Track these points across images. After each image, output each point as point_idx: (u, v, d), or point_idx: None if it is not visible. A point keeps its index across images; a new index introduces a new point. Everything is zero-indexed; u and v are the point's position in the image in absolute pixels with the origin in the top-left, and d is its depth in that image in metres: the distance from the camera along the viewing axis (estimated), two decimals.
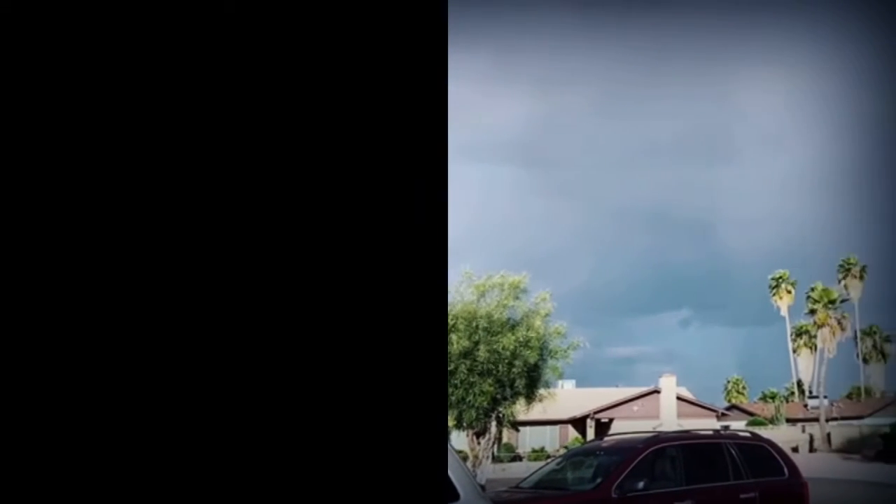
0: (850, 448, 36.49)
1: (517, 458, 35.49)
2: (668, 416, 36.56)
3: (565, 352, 21.31)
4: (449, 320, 16.44)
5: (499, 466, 28.76)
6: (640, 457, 7.61)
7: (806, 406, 47.50)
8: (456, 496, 3.79)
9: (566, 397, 36.28)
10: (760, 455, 8.69)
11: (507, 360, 19.47)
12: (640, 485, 7.21)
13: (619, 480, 7.21)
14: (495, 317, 19.88)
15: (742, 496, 7.89)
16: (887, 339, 55.22)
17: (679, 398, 39.83)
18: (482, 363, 19.29)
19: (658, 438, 8.30)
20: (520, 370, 19.79)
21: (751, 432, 10.02)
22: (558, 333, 21.11)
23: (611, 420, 39.00)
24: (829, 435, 39.52)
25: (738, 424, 35.95)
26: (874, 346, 54.90)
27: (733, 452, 8.30)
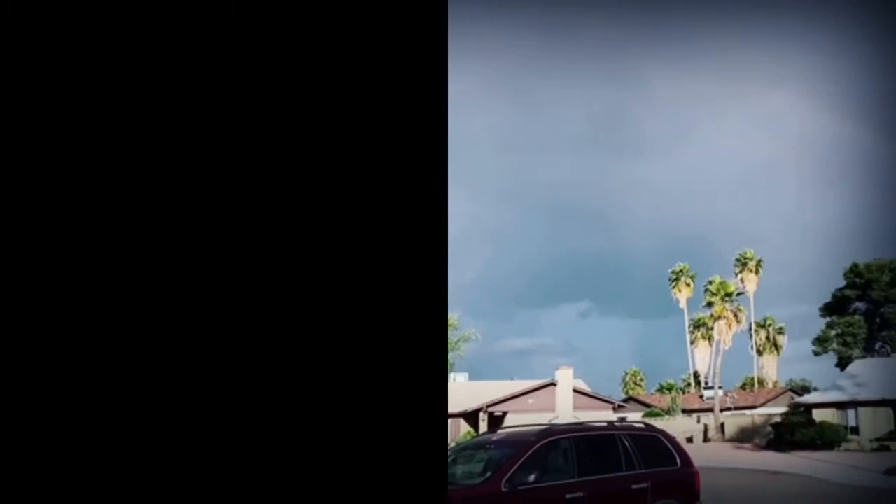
0: (743, 437, 38.61)
1: None
2: (564, 409, 37.51)
3: (456, 344, 21.57)
4: None
5: None
6: (532, 450, 7.76)
7: (702, 397, 49.93)
8: None
9: (458, 390, 36.70)
10: (653, 445, 9.05)
11: None
12: (532, 478, 7.35)
13: (509, 474, 7.33)
14: None
15: (633, 486, 8.19)
16: (780, 331, 58.64)
17: (576, 391, 40.91)
18: None
19: (550, 431, 8.46)
20: None
21: (644, 423, 10.40)
22: (449, 325, 21.34)
23: (505, 413, 39.73)
24: (722, 425, 41.64)
25: (634, 416, 37.38)
26: (768, 337, 58.20)
27: (626, 443, 8.60)
